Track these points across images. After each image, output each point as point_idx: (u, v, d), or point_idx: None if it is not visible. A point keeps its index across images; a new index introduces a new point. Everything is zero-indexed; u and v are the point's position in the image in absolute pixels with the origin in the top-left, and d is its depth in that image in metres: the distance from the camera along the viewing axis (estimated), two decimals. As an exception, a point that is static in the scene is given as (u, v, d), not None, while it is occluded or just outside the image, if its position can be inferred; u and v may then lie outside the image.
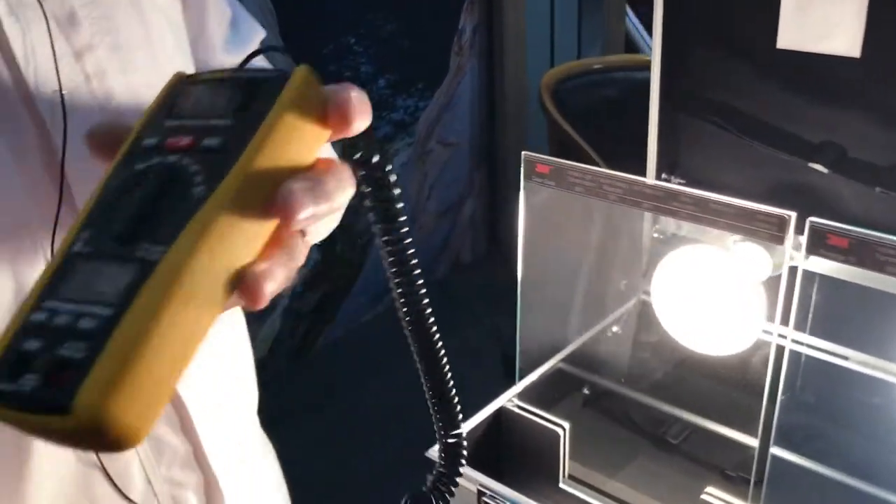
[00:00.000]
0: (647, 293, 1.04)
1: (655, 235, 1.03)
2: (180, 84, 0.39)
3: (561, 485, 0.85)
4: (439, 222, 3.03)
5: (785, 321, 0.66)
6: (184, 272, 0.31)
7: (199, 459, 0.64)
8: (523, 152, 0.76)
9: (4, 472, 0.53)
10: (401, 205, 0.42)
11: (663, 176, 1.00)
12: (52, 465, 0.55)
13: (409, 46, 2.82)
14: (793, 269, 0.64)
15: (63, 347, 0.30)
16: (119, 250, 0.33)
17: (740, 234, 0.70)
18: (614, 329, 1.02)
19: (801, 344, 0.74)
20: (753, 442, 0.88)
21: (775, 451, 0.70)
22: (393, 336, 0.51)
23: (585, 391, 0.98)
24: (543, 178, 0.75)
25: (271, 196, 0.34)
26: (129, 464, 0.59)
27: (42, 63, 0.51)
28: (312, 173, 0.36)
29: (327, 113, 0.37)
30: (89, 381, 0.29)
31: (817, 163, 0.86)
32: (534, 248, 0.84)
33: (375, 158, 0.40)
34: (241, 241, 0.34)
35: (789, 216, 0.64)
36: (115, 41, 0.55)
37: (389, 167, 0.41)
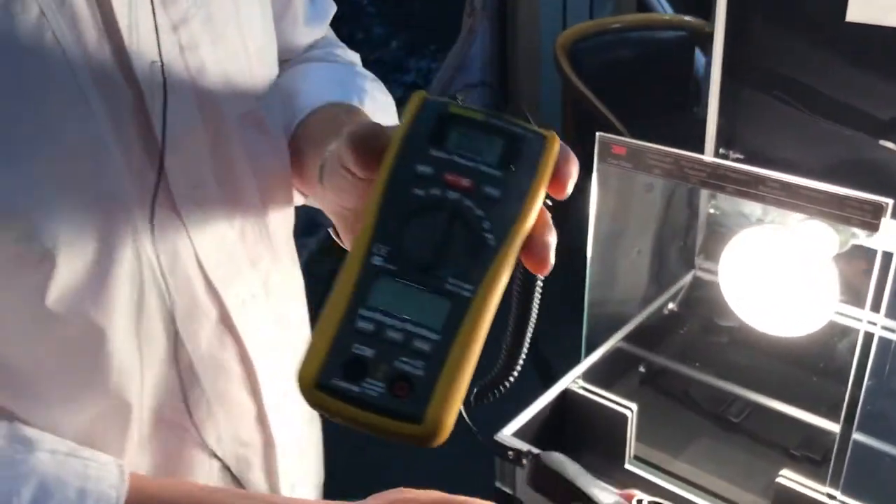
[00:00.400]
0: (703, 269, 1.03)
1: (711, 211, 1.02)
2: (431, 108, 0.42)
3: (627, 465, 0.85)
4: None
5: (875, 307, 0.65)
6: (488, 311, 0.38)
7: (262, 421, 0.66)
8: (598, 133, 0.74)
9: (111, 435, 0.56)
10: None
11: (721, 151, 0.99)
12: (151, 429, 0.59)
13: (421, 8, 2.77)
14: (886, 255, 0.63)
15: (402, 362, 0.36)
16: (426, 279, 0.38)
17: (830, 220, 0.69)
18: (670, 306, 1.01)
19: (890, 330, 0.74)
20: (816, 420, 0.88)
21: (858, 436, 0.70)
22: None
23: (641, 369, 0.98)
24: (619, 159, 0.74)
25: (527, 245, 0.41)
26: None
27: (144, 35, 0.51)
28: (547, 226, 0.42)
29: (556, 178, 0.42)
30: (435, 398, 0.36)
31: (888, 140, 0.85)
32: (602, 229, 0.83)
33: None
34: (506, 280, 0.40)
35: (886, 203, 0.63)
36: (207, 14, 0.55)
37: None
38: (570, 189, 0.43)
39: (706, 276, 1.02)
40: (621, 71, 2.80)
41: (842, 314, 0.84)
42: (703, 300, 1.02)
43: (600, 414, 0.84)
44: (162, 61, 0.52)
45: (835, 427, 0.85)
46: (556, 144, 0.42)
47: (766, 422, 0.90)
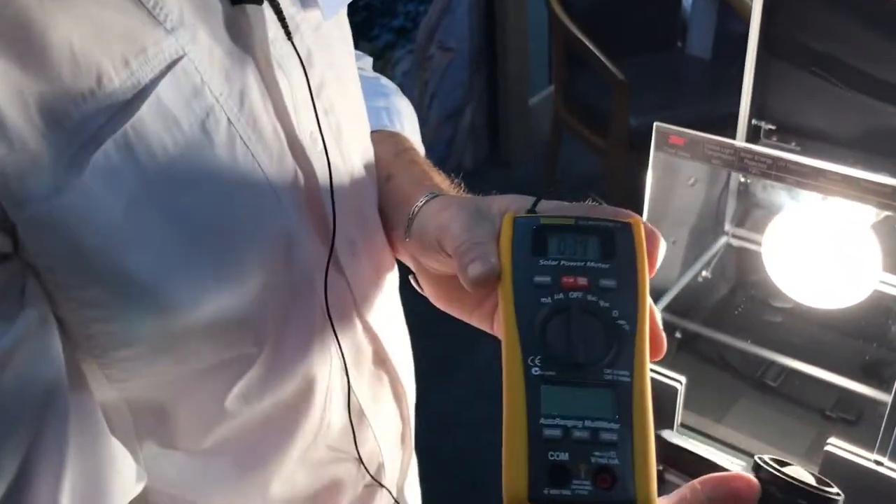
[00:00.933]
0: (736, 237, 1.06)
1: (742, 179, 1.05)
2: (524, 225, 0.47)
3: (674, 433, 0.90)
4: (441, 130, 3.00)
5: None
6: (648, 387, 0.42)
7: (404, 438, 0.72)
8: (655, 123, 0.76)
9: (269, 459, 0.59)
10: None
11: (753, 122, 1.01)
12: (306, 451, 0.61)
13: (407, -52, 2.72)
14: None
15: (597, 457, 0.40)
16: (585, 375, 0.42)
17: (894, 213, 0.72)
18: (704, 274, 1.05)
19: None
20: (848, 384, 0.93)
21: None
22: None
23: (678, 335, 1.02)
24: (677, 149, 0.76)
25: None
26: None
27: (302, 111, 0.52)
28: (653, 311, 0.46)
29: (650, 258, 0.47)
30: (638, 478, 0.39)
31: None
32: (653, 216, 0.85)
33: None
34: None
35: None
36: (335, 70, 0.55)
37: None
38: (658, 263, 0.47)
39: (737, 243, 1.06)
40: (609, 7, 2.79)
41: (886, 283, 0.88)
42: (735, 267, 1.05)
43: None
44: (321, 132, 0.53)
45: (867, 389, 0.90)
46: (642, 228, 0.47)
47: (802, 385, 0.95)
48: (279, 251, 0.51)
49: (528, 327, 0.43)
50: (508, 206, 0.52)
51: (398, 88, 0.79)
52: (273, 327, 0.53)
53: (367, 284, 0.63)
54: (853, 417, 0.91)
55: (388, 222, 0.67)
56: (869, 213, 0.87)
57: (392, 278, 0.70)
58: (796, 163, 0.70)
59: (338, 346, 0.59)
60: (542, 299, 0.44)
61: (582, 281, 0.44)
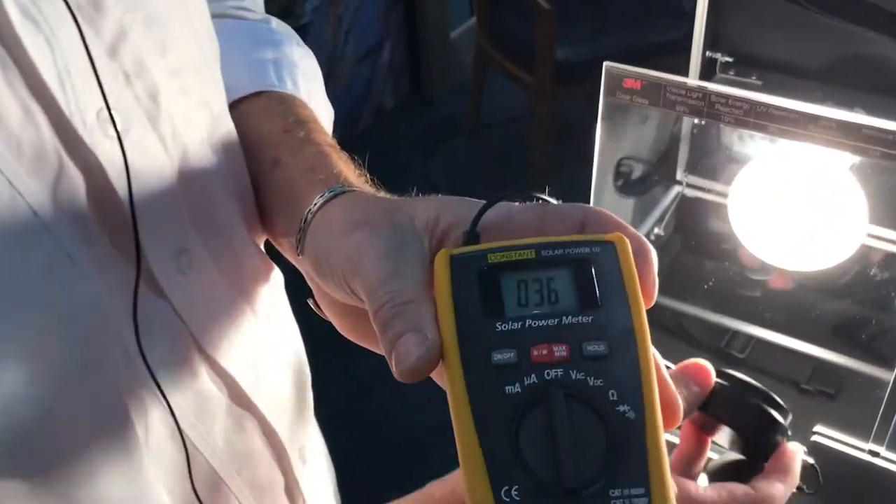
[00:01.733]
0: (690, 186, 0.94)
1: (696, 121, 0.92)
2: (464, 267, 0.35)
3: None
4: (358, 69, 2.80)
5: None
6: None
7: (290, 492, 0.58)
8: (606, 64, 0.62)
9: None
10: None
11: (707, 54, 0.87)
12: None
13: None
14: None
15: None
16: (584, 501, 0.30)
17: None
18: (656, 231, 0.92)
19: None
20: (824, 354, 0.82)
21: None
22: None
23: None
24: (632, 94, 0.61)
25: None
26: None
27: (79, 81, 0.35)
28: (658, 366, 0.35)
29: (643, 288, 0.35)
30: None
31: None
32: (604, 166, 0.71)
33: None
34: None
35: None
36: (147, 9, 0.38)
37: None
38: (656, 291, 0.36)
39: (692, 193, 0.93)
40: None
41: (875, 237, 0.76)
42: (691, 222, 0.93)
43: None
44: (108, 106, 0.37)
45: (847, 360, 0.79)
46: (627, 245, 0.35)
47: (773, 356, 0.84)
48: (52, 286, 0.36)
49: (494, 439, 0.31)
50: (437, 218, 0.39)
51: (294, 34, 0.62)
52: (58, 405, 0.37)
53: (213, 309, 0.48)
54: (832, 390, 0.81)
55: (274, 225, 0.52)
56: (845, 158, 0.75)
57: (268, 290, 0.54)
58: (782, 108, 0.57)
59: (164, 403, 0.44)
60: (508, 388, 0.32)
61: (560, 350, 0.33)
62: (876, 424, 0.66)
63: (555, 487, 0.30)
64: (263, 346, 0.54)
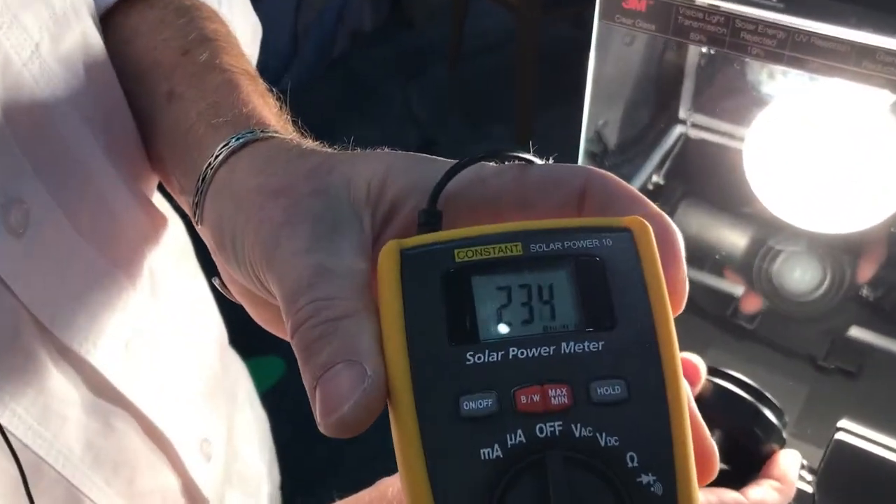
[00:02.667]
0: (695, 126, 0.81)
1: (704, 50, 0.78)
2: (422, 269, 0.24)
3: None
4: (333, -12, 2.62)
5: None
6: None
7: (188, 491, 0.49)
8: (602, -24, 0.48)
9: None
10: None
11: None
12: None
13: None
14: None
15: None
16: None
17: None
18: (654, 179, 0.79)
19: None
20: (841, 325, 0.71)
21: None
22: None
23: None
24: (635, 17, 0.48)
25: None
26: None
27: None
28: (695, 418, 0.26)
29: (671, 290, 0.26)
30: None
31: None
32: (598, 101, 0.59)
33: None
34: None
35: None
36: None
37: None
38: (686, 294, 0.28)
39: (699, 135, 0.80)
40: None
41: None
42: (695, 169, 0.80)
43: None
44: None
45: (872, 336, 0.68)
46: (650, 234, 0.26)
47: (785, 327, 0.73)
48: None
49: None
50: (383, 184, 0.29)
51: None
52: None
53: (64, 280, 0.37)
54: (853, 368, 0.70)
55: (170, 180, 0.41)
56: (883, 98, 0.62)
57: (156, 253, 0.43)
58: (827, 37, 0.44)
59: None
60: (484, 452, 0.23)
61: (559, 395, 0.23)
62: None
63: None
64: (145, 324, 0.43)
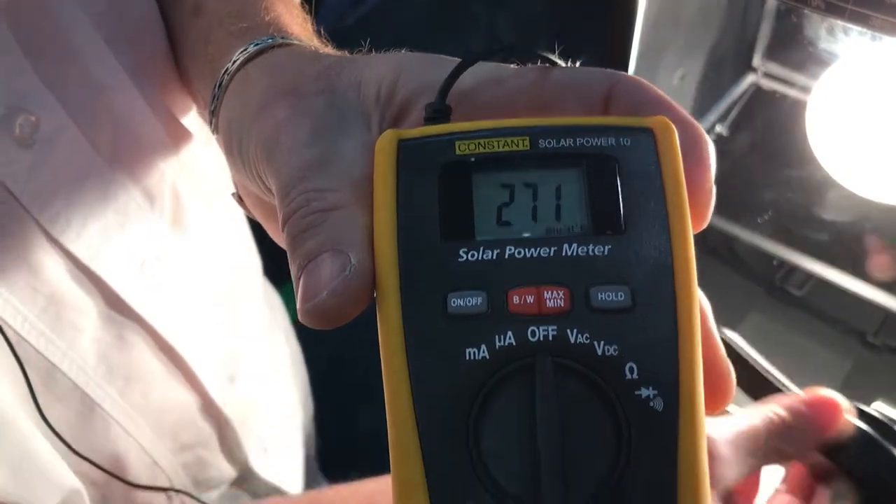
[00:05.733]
0: (768, 76, 0.76)
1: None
2: (420, 159, 0.23)
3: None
4: None
5: None
6: None
7: (208, 409, 0.50)
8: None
9: None
10: None
11: None
12: None
13: None
14: None
15: None
16: None
17: None
18: (718, 129, 0.76)
19: None
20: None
21: None
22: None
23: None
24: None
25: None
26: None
27: None
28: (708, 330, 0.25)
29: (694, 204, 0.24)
30: None
31: None
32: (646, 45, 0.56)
33: None
34: None
35: None
36: None
37: None
38: (711, 208, 0.26)
39: (770, 85, 0.76)
40: None
41: None
42: (764, 120, 0.76)
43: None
44: None
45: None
46: (673, 136, 0.24)
47: (836, 298, 0.69)
48: None
49: (440, 433, 0.21)
50: (394, 85, 0.27)
51: None
52: None
53: (75, 194, 0.38)
54: (904, 347, 0.66)
55: (196, 95, 0.41)
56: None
57: (177, 170, 0.43)
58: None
59: None
60: (469, 352, 0.22)
61: (555, 297, 0.22)
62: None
63: None
64: (165, 248, 0.44)
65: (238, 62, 0.32)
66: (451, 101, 0.26)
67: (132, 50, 0.40)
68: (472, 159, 0.24)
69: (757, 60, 0.76)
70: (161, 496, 0.47)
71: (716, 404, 0.25)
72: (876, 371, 0.66)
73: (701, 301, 0.25)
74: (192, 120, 0.46)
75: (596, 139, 0.24)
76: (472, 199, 0.23)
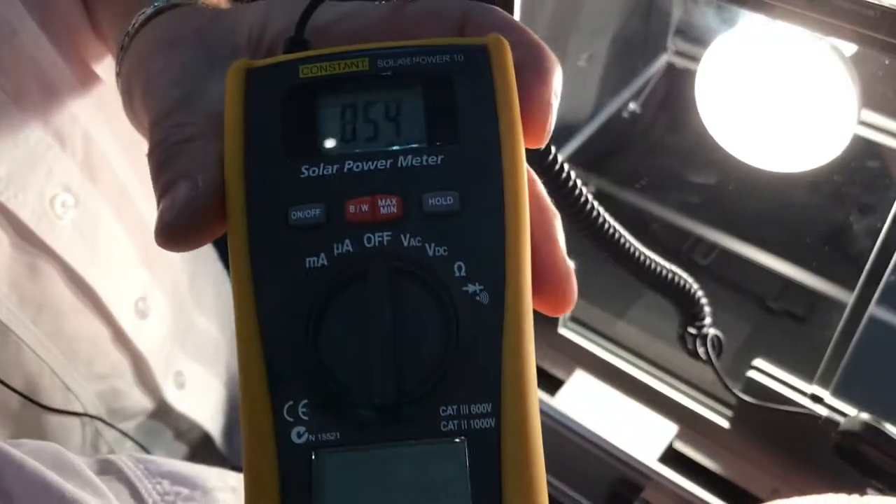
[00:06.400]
0: (680, 54, 0.79)
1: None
2: (266, 84, 0.25)
3: (560, 330, 0.68)
4: None
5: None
6: (532, 434, 0.22)
7: (121, 339, 0.51)
8: None
9: None
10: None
11: None
12: None
13: None
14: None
15: None
16: (404, 430, 0.21)
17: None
18: (631, 107, 0.78)
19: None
20: (799, 274, 0.69)
21: (876, 310, 0.51)
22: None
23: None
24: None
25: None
26: None
27: None
28: (548, 225, 0.25)
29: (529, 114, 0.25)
30: None
31: None
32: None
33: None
34: None
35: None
36: None
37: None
38: (551, 124, 0.26)
39: (682, 63, 0.78)
40: None
41: (867, 124, 0.61)
42: (674, 100, 0.79)
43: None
44: None
45: (823, 283, 0.67)
46: (506, 51, 0.25)
47: (740, 266, 0.72)
48: None
49: (281, 333, 0.22)
50: (264, 26, 0.29)
51: None
52: None
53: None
54: (801, 312, 0.69)
55: (109, 45, 0.42)
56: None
57: (78, 104, 0.45)
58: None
59: None
60: (309, 260, 0.23)
61: (388, 205, 0.23)
62: (822, 364, 0.54)
63: (363, 403, 0.22)
64: (76, 186, 0.45)
65: (136, 24, 0.33)
66: (310, 37, 0.27)
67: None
68: (315, 82, 0.25)
69: (669, 40, 0.78)
70: (76, 422, 0.48)
71: (556, 305, 0.25)
72: (775, 334, 0.69)
73: (547, 213, 0.26)
74: (107, 68, 0.47)
75: (432, 58, 0.25)
76: (314, 120, 0.24)
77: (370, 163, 0.24)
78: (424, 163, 0.24)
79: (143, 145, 0.34)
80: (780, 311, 0.69)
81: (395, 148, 0.24)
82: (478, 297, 0.22)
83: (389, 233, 0.23)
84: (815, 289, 0.67)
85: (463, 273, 0.22)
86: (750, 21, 0.60)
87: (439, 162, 0.24)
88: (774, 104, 0.59)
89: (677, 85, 0.78)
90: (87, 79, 0.45)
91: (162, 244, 0.25)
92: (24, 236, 0.43)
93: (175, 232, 0.24)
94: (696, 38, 0.76)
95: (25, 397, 0.44)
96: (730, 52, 0.60)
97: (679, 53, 0.78)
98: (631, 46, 0.76)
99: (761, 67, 0.58)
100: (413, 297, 0.22)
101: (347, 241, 0.23)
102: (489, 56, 0.25)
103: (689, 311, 0.51)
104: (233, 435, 0.63)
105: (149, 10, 0.34)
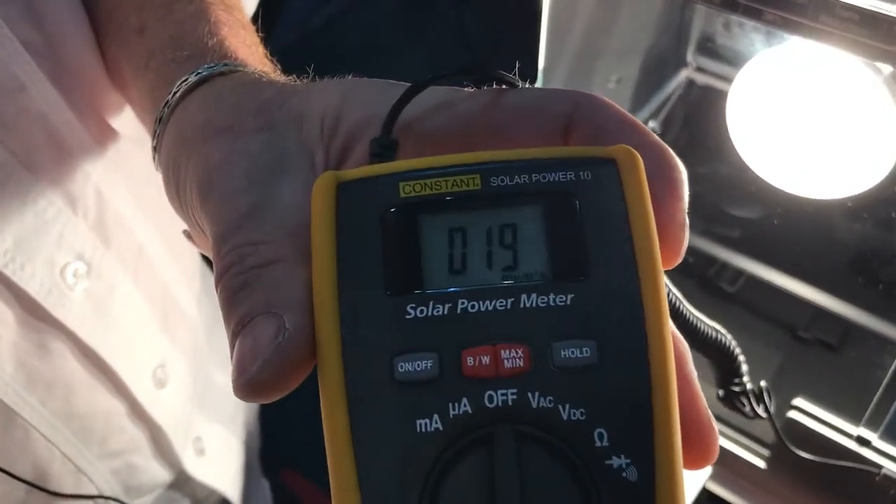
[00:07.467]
0: (700, 70, 0.76)
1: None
2: (361, 204, 0.21)
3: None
4: None
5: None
6: None
7: (138, 413, 0.48)
8: None
9: None
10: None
11: None
12: None
13: None
14: None
15: None
16: None
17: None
18: (651, 124, 0.75)
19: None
20: (824, 299, 0.66)
21: None
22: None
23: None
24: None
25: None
26: None
27: None
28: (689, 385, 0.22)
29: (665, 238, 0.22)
30: None
31: None
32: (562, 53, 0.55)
33: None
34: None
35: None
36: None
37: None
38: (685, 244, 0.24)
39: (702, 79, 0.75)
40: None
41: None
42: (697, 117, 0.76)
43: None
44: None
45: (855, 312, 0.64)
46: (639, 165, 0.22)
47: (768, 294, 0.69)
48: None
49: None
50: (339, 116, 0.26)
51: None
52: None
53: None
54: (834, 341, 0.66)
55: (144, 123, 0.38)
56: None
57: (89, 165, 0.42)
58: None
59: None
60: (420, 424, 0.20)
61: (514, 356, 0.20)
62: (870, 408, 0.52)
63: None
64: (88, 251, 0.42)
65: (178, 94, 0.30)
66: (397, 133, 0.24)
67: (52, 53, 0.38)
68: (418, 202, 0.21)
69: (689, 55, 0.75)
70: None
71: (698, 461, 0.22)
72: (807, 365, 0.66)
73: (679, 345, 0.22)
74: (126, 121, 0.44)
75: (553, 174, 0.22)
76: (418, 248, 0.21)
77: (487, 303, 0.20)
78: (551, 304, 0.20)
79: (161, 199, 0.31)
80: (811, 341, 0.66)
81: (515, 284, 0.21)
82: (624, 474, 0.19)
83: (515, 391, 0.20)
84: (848, 317, 0.64)
85: (605, 442, 0.19)
86: (783, 41, 0.57)
87: (568, 302, 0.21)
88: (811, 127, 0.56)
89: (699, 102, 0.75)
90: (102, 134, 0.42)
91: (243, 397, 0.21)
92: (32, 312, 0.39)
93: (261, 386, 0.21)
94: (720, 55, 0.73)
95: (33, 485, 0.40)
96: (764, 74, 0.57)
97: (700, 70, 0.75)
98: (658, 65, 0.73)
99: (798, 89, 0.55)
100: (545, 472, 0.19)
101: (465, 401, 0.20)
102: (619, 172, 0.21)
103: (726, 367, 0.48)
104: (250, 498, 0.61)
105: (192, 78, 0.30)
